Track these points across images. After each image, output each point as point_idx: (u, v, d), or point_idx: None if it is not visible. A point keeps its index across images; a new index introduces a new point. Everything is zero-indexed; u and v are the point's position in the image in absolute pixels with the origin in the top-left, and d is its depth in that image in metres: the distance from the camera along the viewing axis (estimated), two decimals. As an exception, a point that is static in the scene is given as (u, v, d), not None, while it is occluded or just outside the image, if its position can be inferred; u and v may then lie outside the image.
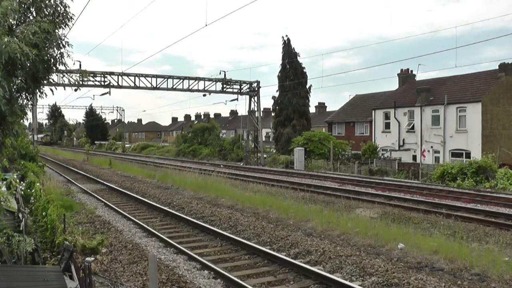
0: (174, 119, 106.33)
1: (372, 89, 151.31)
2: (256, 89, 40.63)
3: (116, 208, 15.05)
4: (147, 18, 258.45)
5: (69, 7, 7.85)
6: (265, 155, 41.22)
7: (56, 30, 7.42)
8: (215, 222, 12.99)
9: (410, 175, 26.76)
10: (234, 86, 40.10)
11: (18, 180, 12.05)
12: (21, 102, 7.73)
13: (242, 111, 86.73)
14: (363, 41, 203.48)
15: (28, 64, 6.60)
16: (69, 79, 32.67)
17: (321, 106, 64.56)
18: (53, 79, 26.26)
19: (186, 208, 15.34)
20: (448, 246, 9.34)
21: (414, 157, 34.96)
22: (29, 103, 8.09)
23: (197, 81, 37.86)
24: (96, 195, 18.43)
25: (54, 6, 7.62)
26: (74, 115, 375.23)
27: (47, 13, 7.55)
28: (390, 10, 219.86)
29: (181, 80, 37.29)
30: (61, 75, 31.77)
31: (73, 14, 7.96)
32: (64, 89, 33.68)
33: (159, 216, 14.20)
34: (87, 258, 6.47)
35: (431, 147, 34.02)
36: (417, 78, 41.31)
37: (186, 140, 55.65)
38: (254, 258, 9.32)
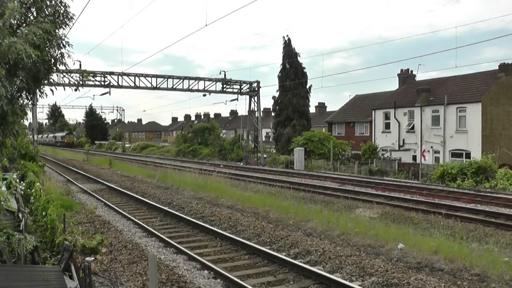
0: (174, 119, 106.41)
1: (372, 89, 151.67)
2: (256, 89, 40.62)
3: (116, 208, 15.06)
4: (147, 18, 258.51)
5: (69, 7, 7.88)
6: (265, 155, 41.21)
7: (57, 30, 7.44)
8: (215, 222, 12.99)
9: (410, 175, 26.76)
10: (234, 86, 40.10)
11: (18, 180, 12.06)
12: (21, 101, 7.75)
13: (242, 111, 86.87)
14: (364, 42, 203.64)
15: (30, 65, 6.62)
16: (69, 79, 32.68)
17: (321, 106, 64.56)
18: (53, 79, 26.33)
19: (186, 208, 15.34)
20: (448, 246, 9.35)
21: (414, 157, 34.96)
22: (30, 102, 8.12)
23: (197, 81, 37.87)
24: (96, 195, 18.44)
25: (54, 6, 7.64)
26: (74, 115, 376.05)
27: (47, 13, 7.57)
28: (390, 10, 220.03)
29: (181, 80, 37.29)
30: (61, 75, 31.78)
31: (73, 14, 7.99)
32: (64, 89, 33.69)
33: (159, 216, 14.20)
34: (87, 258, 6.47)
35: (431, 147, 34.02)
36: (417, 78, 41.35)
37: (186, 140, 55.65)
38: (254, 258, 9.32)
